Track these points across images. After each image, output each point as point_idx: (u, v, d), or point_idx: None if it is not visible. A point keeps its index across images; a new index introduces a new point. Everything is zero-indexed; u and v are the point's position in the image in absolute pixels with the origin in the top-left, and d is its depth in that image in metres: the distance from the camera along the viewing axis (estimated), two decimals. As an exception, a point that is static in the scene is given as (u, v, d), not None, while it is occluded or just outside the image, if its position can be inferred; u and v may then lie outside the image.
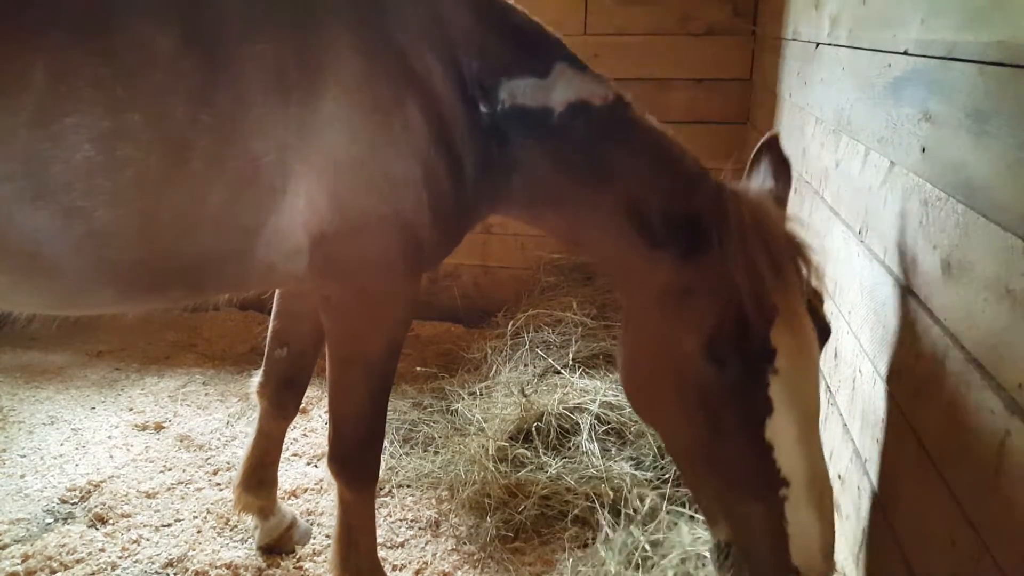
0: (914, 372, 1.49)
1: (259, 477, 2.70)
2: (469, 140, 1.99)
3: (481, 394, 3.62)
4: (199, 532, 2.85)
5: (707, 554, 2.48)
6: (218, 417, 3.69)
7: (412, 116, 1.91)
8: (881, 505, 1.65)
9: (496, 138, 2.02)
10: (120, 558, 2.69)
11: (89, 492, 3.07)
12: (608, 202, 1.94)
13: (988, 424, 1.16)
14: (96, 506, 2.97)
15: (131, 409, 3.76)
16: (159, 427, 3.59)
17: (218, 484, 3.15)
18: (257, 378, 2.65)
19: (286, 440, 2.86)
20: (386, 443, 3.25)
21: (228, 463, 3.28)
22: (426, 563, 2.69)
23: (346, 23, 1.89)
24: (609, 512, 2.78)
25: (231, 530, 2.86)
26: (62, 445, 3.42)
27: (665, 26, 4.15)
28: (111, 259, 1.81)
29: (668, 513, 2.68)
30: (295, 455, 3.36)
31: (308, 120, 1.83)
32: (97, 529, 2.85)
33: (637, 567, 2.51)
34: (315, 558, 2.71)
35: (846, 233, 2.07)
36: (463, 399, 3.59)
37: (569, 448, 3.15)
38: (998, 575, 1.11)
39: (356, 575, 2.34)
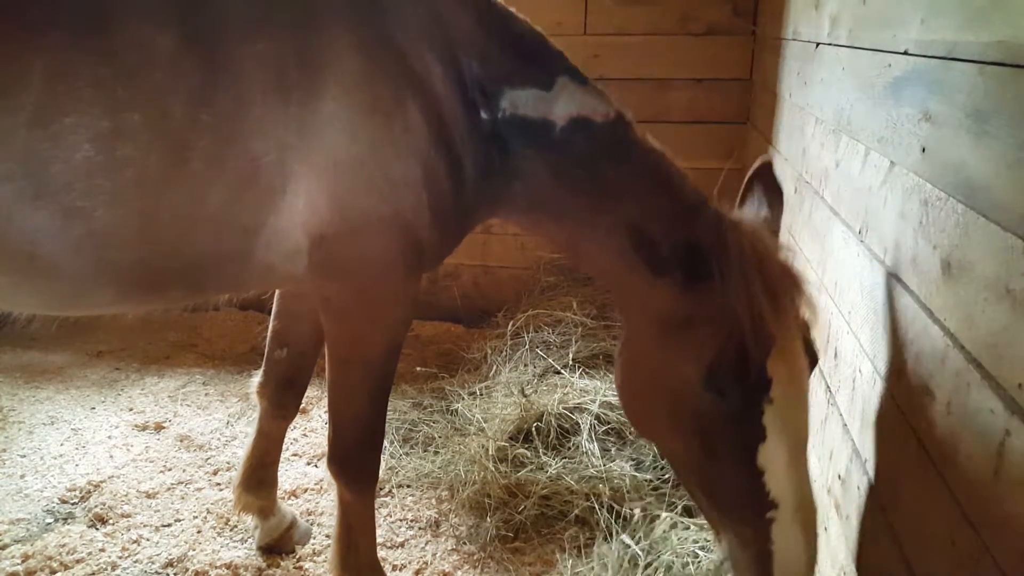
0: (914, 372, 1.49)
1: (259, 477, 2.70)
2: (469, 142, 1.99)
3: (481, 394, 3.62)
4: (199, 532, 2.85)
5: (701, 554, 2.49)
6: (218, 417, 3.69)
7: (412, 116, 1.91)
8: (881, 505, 1.65)
9: (496, 144, 2.02)
10: (120, 558, 2.69)
11: (89, 492, 3.07)
12: (608, 220, 1.96)
13: (988, 424, 1.16)
14: (96, 506, 2.97)
15: (131, 409, 3.76)
16: (159, 427, 3.59)
17: (218, 484, 3.15)
18: (257, 378, 2.65)
19: (286, 440, 2.86)
20: (386, 443, 3.25)
21: (228, 463, 3.28)
22: (426, 563, 2.70)
23: (346, 23, 1.89)
24: (609, 512, 2.79)
25: (231, 530, 2.86)
26: (62, 445, 3.42)
27: (665, 26, 4.16)
28: (111, 259, 1.81)
29: (666, 515, 2.68)
30: (295, 455, 3.36)
31: (308, 120, 1.83)
32: (97, 529, 2.85)
33: (635, 565, 2.51)
34: (315, 558, 2.71)
35: (846, 233, 2.07)
36: (463, 399, 3.59)
37: (569, 448, 3.15)
38: (998, 575, 1.11)
39: (356, 575, 2.34)
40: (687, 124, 4.27)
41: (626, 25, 4.20)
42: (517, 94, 1.99)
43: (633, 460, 3.07)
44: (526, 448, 3.14)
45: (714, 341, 1.67)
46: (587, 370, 3.62)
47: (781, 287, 1.68)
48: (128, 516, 2.92)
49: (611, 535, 2.70)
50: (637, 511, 2.72)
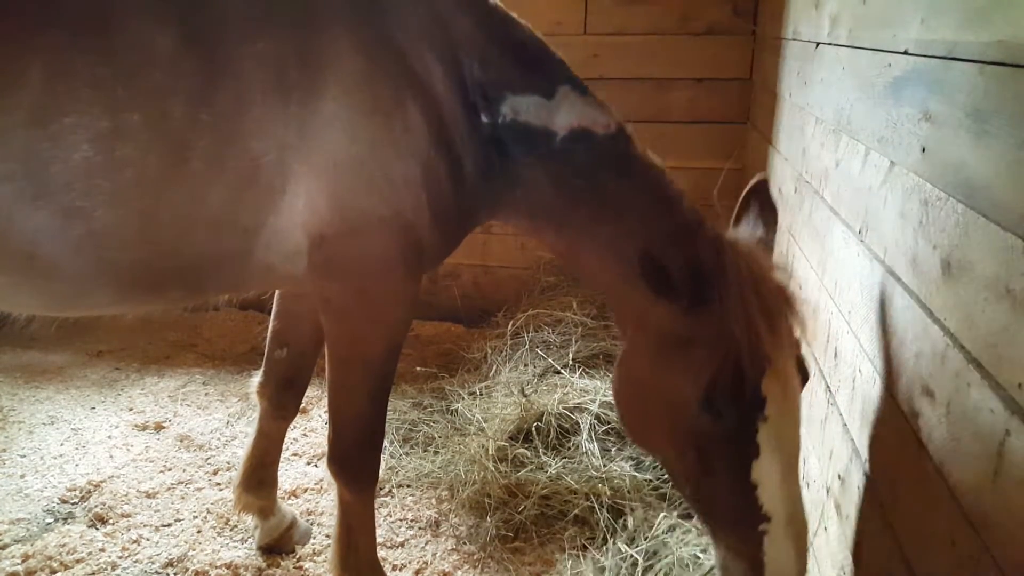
0: (914, 372, 1.49)
1: (259, 477, 2.70)
2: (469, 143, 1.99)
3: (481, 394, 3.62)
4: (199, 532, 2.85)
5: (701, 556, 2.49)
6: (218, 417, 3.69)
7: (412, 117, 1.91)
8: (881, 505, 1.65)
9: (496, 149, 2.03)
10: (120, 558, 2.69)
11: (89, 492, 3.07)
12: (608, 233, 1.98)
13: (988, 424, 1.16)
14: (96, 506, 2.97)
15: (131, 409, 3.76)
16: (159, 427, 3.59)
17: (218, 484, 3.15)
18: (257, 378, 2.65)
19: (286, 440, 2.86)
20: (386, 443, 3.25)
21: (228, 463, 3.28)
22: (426, 563, 2.70)
23: (346, 23, 1.89)
24: (609, 512, 2.79)
25: (231, 530, 2.86)
26: (62, 445, 3.42)
27: (665, 26, 4.15)
28: (110, 259, 1.81)
29: (665, 518, 2.68)
30: (295, 455, 3.36)
31: (308, 120, 1.83)
32: (97, 529, 2.85)
33: (634, 565, 2.51)
34: (315, 558, 2.71)
35: (846, 233, 2.07)
36: (463, 399, 3.59)
37: (569, 448, 3.15)
38: (998, 575, 1.11)
39: (356, 575, 2.34)
40: (687, 124, 4.27)
41: (626, 25, 4.20)
42: (519, 100, 2.00)
43: (633, 460, 3.06)
44: (526, 448, 3.14)
45: (712, 362, 1.70)
46: (587, 370, 3.62)
47: (776, 308, 1.72)
48: (128, 516, 2.92)
49: (611, 535, 2.70)
50: (639, 512, 2.71)
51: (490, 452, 3.06)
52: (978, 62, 1.29)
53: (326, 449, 2.24)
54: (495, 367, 3.82)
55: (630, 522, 2.68)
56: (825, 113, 2.44)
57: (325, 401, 2.32)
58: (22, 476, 3.19)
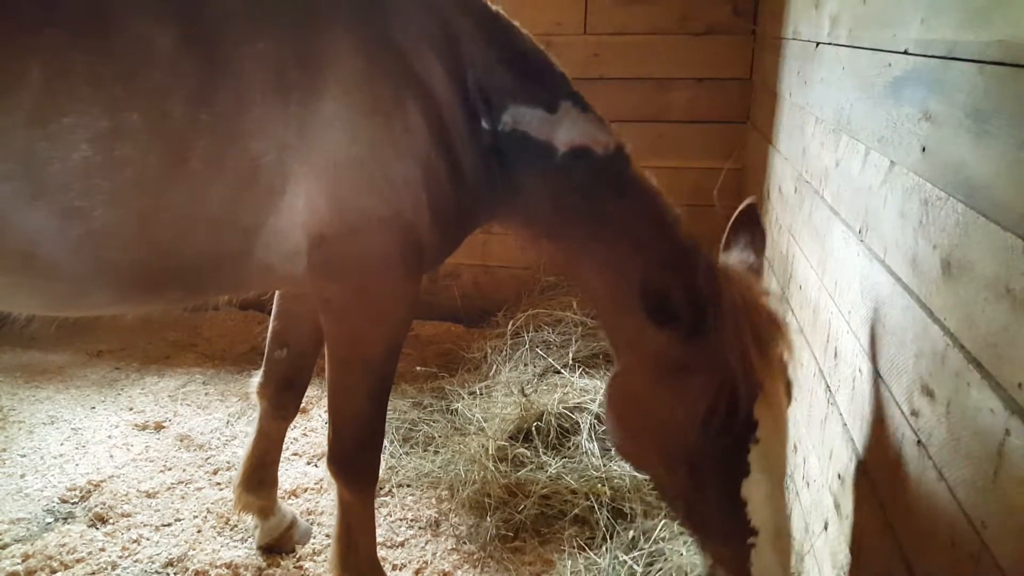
0: (914, 372, 1.49)
1: (259, 477, 2.70)
2: (469, 146, 2.00)
3: (481, 394, 3.62)
4: (199, 532, 2.85)
5: (699, 564, 2.49)
6: (218, 417, 3.69)
7: (412, 117, 1.91)
8: (881, 505, 1.65)
9: (496, 156, 2.03)
10: (120, 558, 2.69)
11: (89, 492, 3.07)
12: (604, 253, 2.00)
13: (988, 424, 1.16)
14: (96, 506, 2.97)
15: (131, 409, 3.76)
16: (159, 427, 3.59)
17: (218, 484, 3.15)
18: (257, 379, 2.65)
19: (286, 439, 2.86)
20: (386, 443, 3.25)
21: (228, 463, 3.28)
22: (426, 562, 2.70)
23: (347, 24, 1.89)
24: (609, 512, 2.79)
25: (231, 530, 2.87)
26: (62, 445, 3.42)
27: (665, 25, 4.15)
28: (109, 260, 1.81)
29: (665, 524, 2.68)
30: (295, 454, 3.36)
31: (308, 120, 1.83)
32: (97, 529, 2.85)
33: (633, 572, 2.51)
34: (315, 558, 2.71)
35: (846, 233, 2.06)
36: (463, 399, 3.59)
37: (569, 448, 3.15)
38: (998, 575, 1.11)
39: (356, 575, 2.34)
40: (687, 124, 4.27)
41: (626, 25, 4.19)
42: (521, 111, 2.01)
43: (633, 460, 3.06)
44: (526, 448, 3.14)
45: (709, 389, 1.75)
46: (587, 369, 3.62)
47: (768, 335, 1.78)
48: (128, 516, 2.92)
49: (610, 536, 2.69)
50: (639, 522, 2.72)
51: (490, 452, 3.06)
52: (978, 62, 1.29)
53: (326, 449, 2.24)
54: (495, 367, 3.82)
55: (631, 533, 2.68)
56: (825, 113, 2.44)
57: (325, 401, 2.32)
58: (22, 476, 3.19)
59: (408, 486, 3.10)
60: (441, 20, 1.99)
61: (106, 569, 2.63)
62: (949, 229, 1.36)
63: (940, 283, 1.39)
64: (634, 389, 1.95)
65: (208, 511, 2.96)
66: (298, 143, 1.83)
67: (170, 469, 3.25)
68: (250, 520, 2.82)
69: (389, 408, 2.32)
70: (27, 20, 1.66)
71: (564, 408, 3.28)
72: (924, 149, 1.52)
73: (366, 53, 1.89)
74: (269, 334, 2.59)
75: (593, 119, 2.05)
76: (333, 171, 1.87)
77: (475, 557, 2.71)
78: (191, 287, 2.00)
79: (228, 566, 2.65)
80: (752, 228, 2.07)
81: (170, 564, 2.66)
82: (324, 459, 2.30)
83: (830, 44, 2.45)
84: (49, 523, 2.88)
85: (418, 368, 3.98)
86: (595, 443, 3.11)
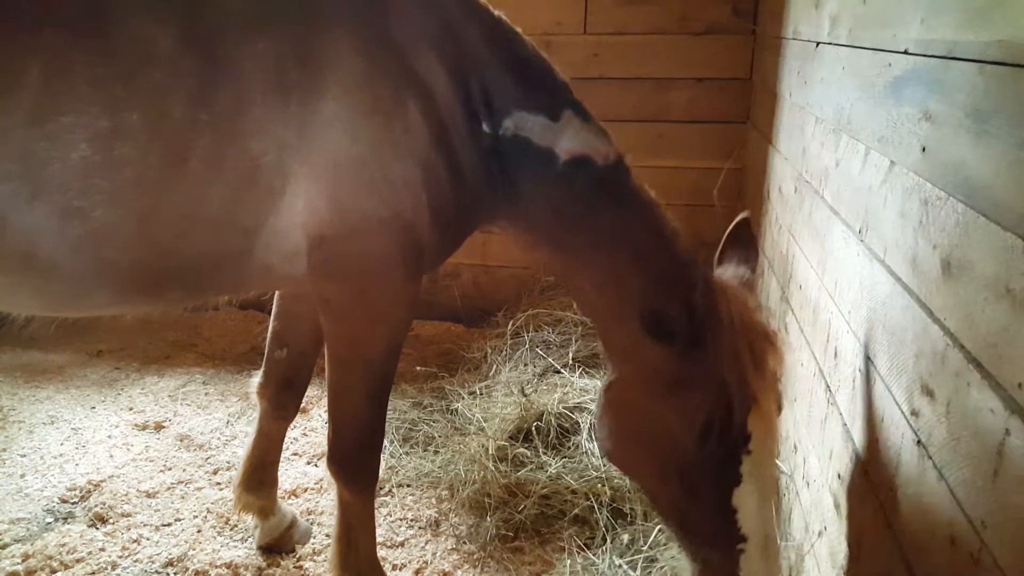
0: (914, 372, 1.49)
1: (259, 477, 2.70)
2: (469, 148, 2.00)
3: (481, 393, 3.62)
4: (199, 532, 2.85)
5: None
6: (218, 416, 3.69)
7: (413, 117, 1.91)
8: (881, 505, 1.65)
9: (496, 159, 2.04)
10: (120, 557, 2.69)
11: (89, 492, 3.07)
12: (602, 264, 2.01)
13: (988, 423, 1.16)
14: (96, 505, 2.97)
15: (131, 409, 3.76)
16: (159, 427, 3.59)
17: (218, 483, 3.15)
18: (257, 379, 2.65)
19: (286, 439, 2.86)
20: (386, 442, 3.25)
21: (228, 462, 3.28)
22: (426, 562, 2.70)
23: (347, 24, 1.88)
24: (608, 511, 2.78)
25: (231, 529, 2.87)
26: (62, 445, 3.42)
27: (665, 25, 4.15)
28: (109, 260, 1.81)
29: (661, 530, 2.68)
30: (295, 454, 3.36)
31: (308, 120, 1.83)
32: (97, 528, 2.85)
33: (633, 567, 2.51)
34: (315, 557, 2.71)
35: (846, 232, 2.06)
36: (463, 398, 3.59)
37: (569, 447, 3.15)
38: (998, 574, 1.11)
39: (356, 574, 2.34)
40: (687, 124, 4.27)
41: (626, 24, 4.19)
42: (524, 117, 2.02)
43: (633, 460, 3.06)
44: (526, 447, 3.14)
45: (706, 404, 1.79)
46: (587, 369, 3.62)
47: (762, 351, 1.81)
48: (128, 515, 2.92)
49: (610, 536, 2.69)
50: (638, 519, 2.72)
51: (490, 452, 3.06)
52: (978, 62, 1.29)
53: (326, 449, 2.24)
54: (495, 367, 3.82)
55: (625, 537, 2.68)
56: (825, 113, 2.44)
57: (325, 401, 2.32)
58: (22, 476, 3.19)
59: (408, 486, 3.10)
60: (443, 21, 1.99)
61: (106, 569, 2.63)
62: (949, 229, 1.36)
63: (940, 283, 1.39)
64: (630, 399, 1.97)
65: (208, 511, 2.96)
66: (298, 143, 1.83)
67: (170, 469, 3.25)
68: (250, 520, 2.82)
69: (389, 408, 2.32)
70: (27, 20, 1.66)
71: (564, 408, 3.28)
72: (924, 149, 1.52)
73: (366, 53, 1.89)
74: (269, 334, 2.59)
75: (594, 129, 2.06)
76: (333, 171, 1.87)
77: (475, 557, 2.71)
78: (191, 287, 2.00)
79: (228, 566, 2.65)
80: (745, 243, 2.10)
81: (170, 564, 2.66)
82: (324, 459, 2.30)
83: (830, 44, 2.45)
84: (49, 523, 2.88)
85: (418, 368, 3.98)
86: (595, 443, 3.11)
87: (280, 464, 2.81)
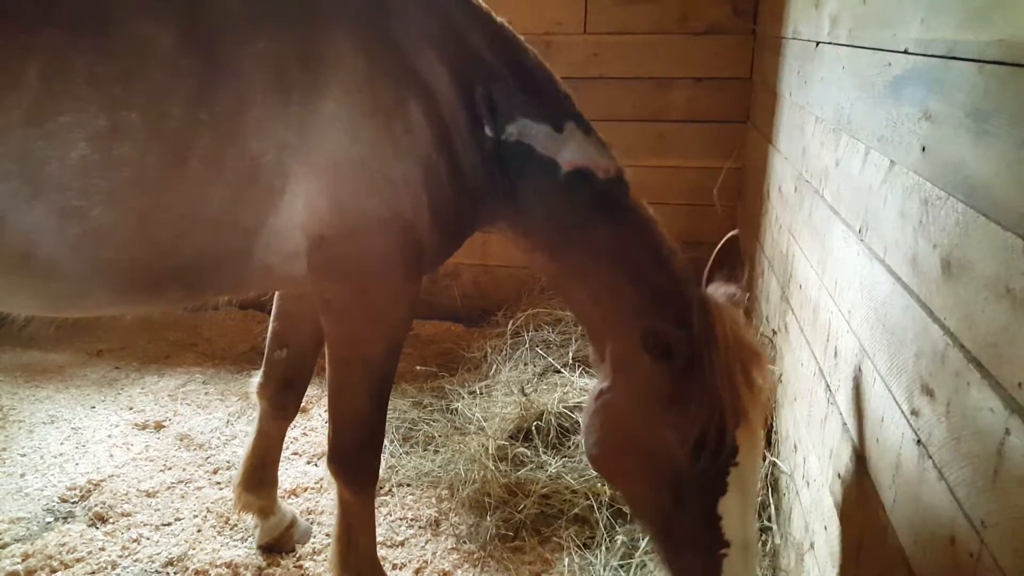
0: (914, 371, 1.49)
1: (259, 477, 2.70)
2: (470, 147, 2.00)
3: (481, 393, 3.62)
4: (199, 531, 2.85)
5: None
6: (218, 416, 3.69)
7: (414, 117, 1.91)
8: (881, 505, 1.65)
9: (498, 163, 2.04)
10: (120, 557, 2.69)
11: (89, 491, 3.07)
12: (600, 277, 2.03)
13: (988, 423, 1.16)
14: (96, 505, 2.97)
15: (131, 408, 3.76)
16: (159, 426, 3.59)
17: (218, 483, 3.15)
18: (257, 379, 2.65)
19: (286, 438, 2.86)
20: (386, 442, 3.25)
21: (228, 462, 3.28)
22: (426, 562, 2.70)
23: (349, 23, 1.88)
24: (608, 511, 2.78)
25: (231, 529, 2.87)
26: (62, 444, 3.42)
27: (665, 25, 4.15)
28: (108, 260, 1.81)
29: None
30: (295, 454, 3.36)
31: (308, 120, 1.83)
32: (97, 528, 2.85)
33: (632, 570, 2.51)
34: (315, 557, 2.71)
35: (846, 232, 2.06)
36: (463, 398, 3.59)
37: (569, 447, 3.15)
38: (998, 574, 1.11)
39: (356, 574, 2.34)
40: (687, 123, 4.27)
41: (626, 24, 4.19)
42: (528, 124, 2.02)
43: (633, 459, 3.06)
44: (526, 447, 3.14)
45: (700, 419, 1.81)
46: (587, 369, 3.62)
47: (751, 367, 1.86)
48: (128, 515, 2.92)
49: (609, 535, 2.69)
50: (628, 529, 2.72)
51: (490, 451, 3.06)
52: (978, 61, 1.29)
53: (326, 448, 2.24)
54: (495, 366, 3.82)
55: (620, 538, 2.68)
56: (825, 112, 2.44)
57: (325, 400, 2.33)
58: (22, 475, 3.19)
59: (408, 485, 3.10)
60: (445, 23, 1.99)
61: (106, 568, 2.63)
62: (949, 228, 1.36)
63: (940, 282, 1.39)
64: (623, 410, 1.98)
65: (208, 510, 2.96)
66: (298, 143, 1.83)
67: (170, 468, 3.25)
68: (250, 519, 2.82)
69: (389, 407, 2.32)
70: (26, 19, 1.66)
71: (564, 407, 3.28)
72: (924, 148, 1.52)
73: (367, 53, 1.89)
74: (269, 334, 2.59)
75: (595, 142, 2.08)
76: (333, 171, 1.87)
77: (475, 556, 2.71)
78: (191, 287, 1.99)
79: (228, 565, 2.65)
80: (733, 261, 2.12)
81: (170, 563, 2.66)
82: (324, 458, 2.30)
83: (830, 44, 2.45)
84: (49, 522, 2.88)
85: (418, 367, 3.98)
86: (595, 443, 3.11)
87: (280, 463, 2.81)
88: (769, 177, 3.45)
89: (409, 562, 2.70)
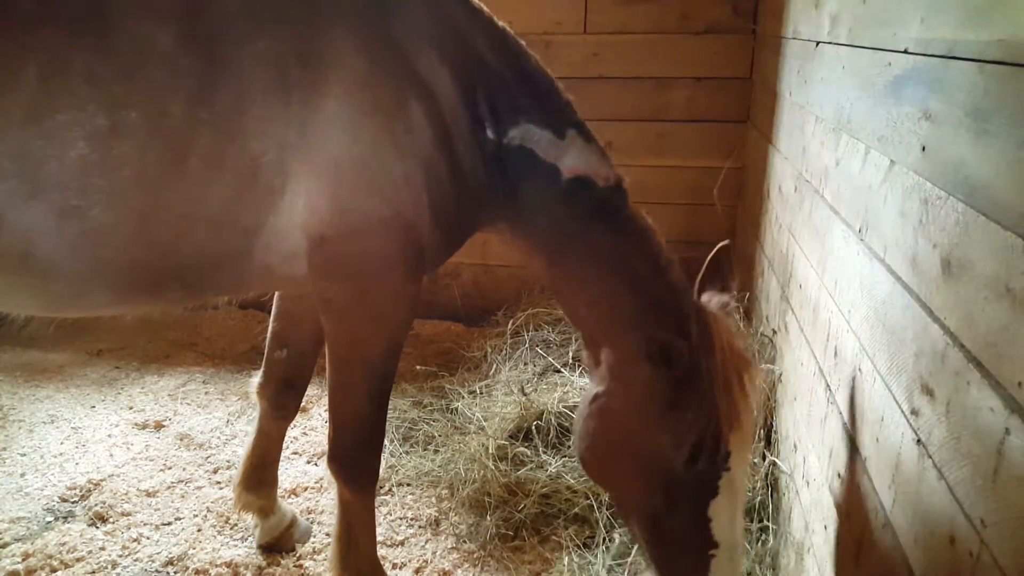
0: (914, 371, 1.49)
1: (259, 476, 2.70)
2: (471, 148, 2.00)
3: (481, 393, 3.62)
4: (199, 531, 2.85)
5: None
6: (218, 416, 3.69)
7: (415, 117, 1.91)
8: (881, 505, 1.65)
9: (498, 166, 2.05)
10: (120, 556, 2.69)
11: (89, 491, 3.07)
12: (599, 286, 2.04)
13: (988, 422, 1.16)
14: (96, 504, 2.97)
15: (131, 408, 3.76)
16: (159, 426, 3.59)
17: (218, 483, 3.15)
18: (257, 379, 2.65)
19: (286, 438, 2.86)
20: (386, 442, 3.25)
21: (228, 462, 3.28)
22: (426, 561, 2.70)
23: (349, 23, 1.88)
24: (608, 511, 2.78)
25: (231, 528, 2.87)
26: (62, 444, 3.42)
27: (665, 25, 4.15)
28: (108, 259, 1.80)
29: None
30: (295, 453, 3.36)
31: (309, 119, 1.83)
32: (97, 528, 2.85)
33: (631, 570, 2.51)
34: (315, 556, 2.71)
35: (846, 232, 2.06)
36: (463, 398, 3.59)
37: (569, 447, 3.15)
38: (997, 574, 1.11)
39: (356, 574, 2.34)
40: (687, 123, 4.27)
41: (626, 24, 4.19)
42: (531, 129, 2.03)
43: (633, 459, 3.06)
44: (526, 447, 3.14)
45: (697, 426, 1.84)
46: (587, 369, 3.62)
47: (744, 374, 1.89)
48: (128, 515, 2.93)
49: (609, 535, 2.69)
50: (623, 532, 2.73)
51: (490, 451, 3.06)
52: (978, 61, 1.29)
53: (326, 448, 2.24)
54: (495, 366, 3.82)
55: (616, 538, 2.68)
56: (825, 112, 2.44)
57: (325, 400, 2.33)
58: (22, 475, 3.19)
59: (408, 485, 3.10)
60: (447, 25, 1.99)
61: (106, 568, 2.63)
62: (949, 228, 1.36)
63: (940, 282, 1.39)
64: (619, 415, 1.99)
65: (208, 510, 2.96)
66: (298, 142, 1.83)
67: (170, 468, 3.25)
68: (250, 519, 2.82)
69: (389, 407, 2.32)
70: (25, 18, 1.66)
71: (564, 407, 3.28)
72: (924, 148, 1.52)
73: (368, 52, 1.88)
74: (269, 334, 2.59)
75: (596, 150, 2.08)
76: (334, 171, 1.87)
77: (475, 556, 2.72)
78: (190, 287, 1.99)
79: (228, 565, 2.65)
80: (724, 270, 2.13)
81: (170, 563, 2.66)
82: (324, 458, 2.30)
83: (830, 43, 2.45)
84: (49, 522, 2.88)
85: (418, 367, 3.98)
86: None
87: (280, 463, 2.81)
88: (769, 177, 3.45)
89: (409, 561, 2.70)
